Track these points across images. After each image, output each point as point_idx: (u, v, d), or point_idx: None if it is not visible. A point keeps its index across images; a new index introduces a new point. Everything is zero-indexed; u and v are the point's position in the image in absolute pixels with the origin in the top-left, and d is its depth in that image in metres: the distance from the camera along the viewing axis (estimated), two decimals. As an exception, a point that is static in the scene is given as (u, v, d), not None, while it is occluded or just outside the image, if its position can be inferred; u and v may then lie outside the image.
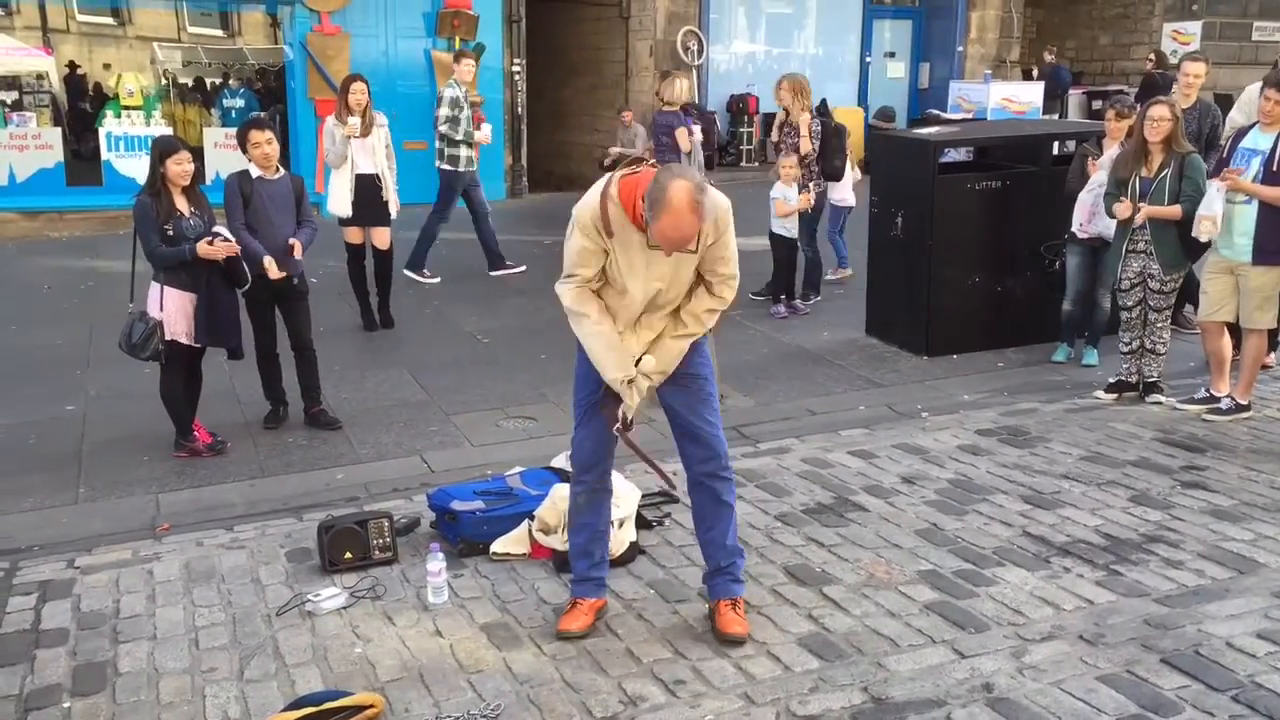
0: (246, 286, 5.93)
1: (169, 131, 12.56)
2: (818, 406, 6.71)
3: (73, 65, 16.37)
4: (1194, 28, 18.11)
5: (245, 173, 6.20)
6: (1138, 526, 4.88)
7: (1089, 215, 6.95)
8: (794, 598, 4.28)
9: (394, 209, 8.38)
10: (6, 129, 12.95)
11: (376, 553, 4.58)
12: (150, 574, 4.59)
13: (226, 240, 5.76)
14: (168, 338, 5.72)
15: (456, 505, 4.74)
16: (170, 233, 5.65)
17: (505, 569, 4.56)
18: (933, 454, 5.80)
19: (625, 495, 4.62)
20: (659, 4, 15.71)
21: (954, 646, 3.89)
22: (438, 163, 9.82)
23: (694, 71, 15.85)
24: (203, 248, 5.63)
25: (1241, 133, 6.29)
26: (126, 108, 13.70)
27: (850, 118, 15.53)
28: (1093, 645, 3.88)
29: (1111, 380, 6.75)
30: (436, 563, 4.26)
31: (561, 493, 4.50)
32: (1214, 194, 6.00)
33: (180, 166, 5.69)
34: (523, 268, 10.20)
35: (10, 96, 13.94)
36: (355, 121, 8.06)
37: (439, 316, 8.90)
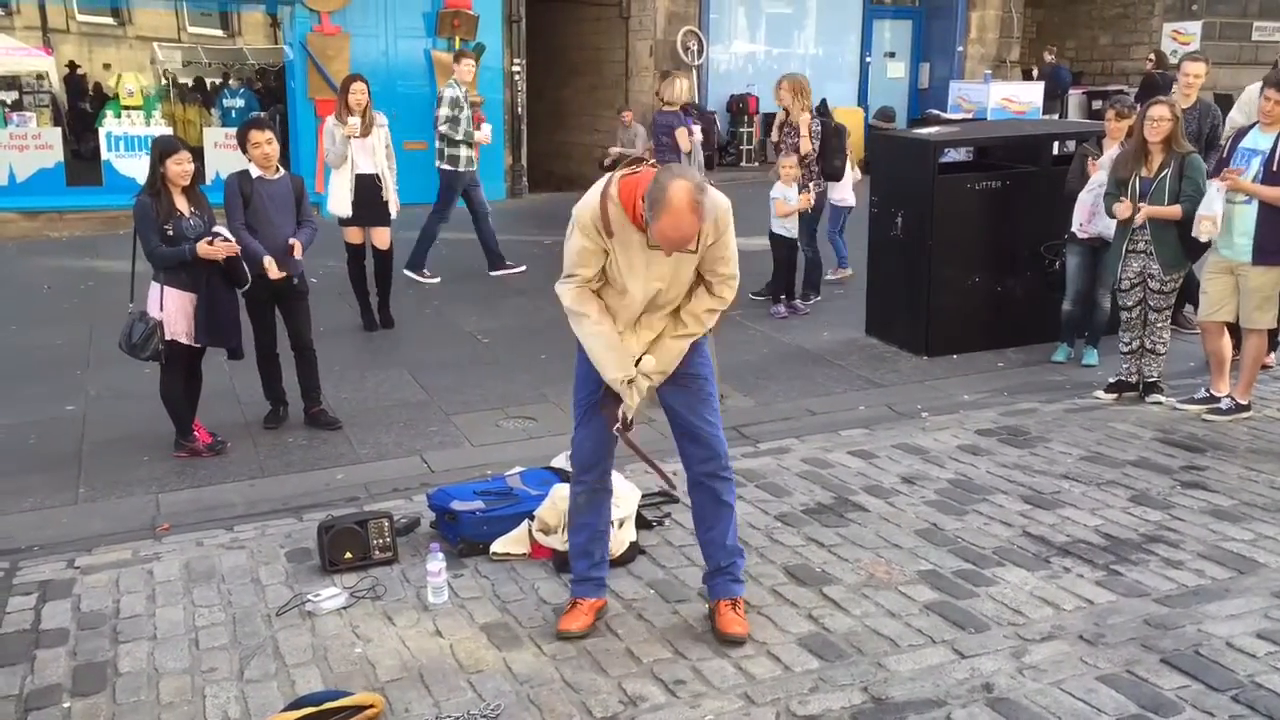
0: (246, 286, 5.93)
1: (169, 131, 12.56)
2: (818, 406, 6.71)
3: (73, 65, 16.36)
4: (1194, 28, 18.12)
5: (245, 173, 6.20)
6: (1138, 526, 4.88)
7: (1089, 215, 6.95)
8: (794, 598, 4.28)
9: (394, 209, 8.38)
10: (6, 129, 12.94)
11: (376, 553, 4.58)
12: (150, 574, 4.59)
13: (227, 240, 5.76)
14: (168, 338, 5.72)
15: (456, 505, 4.74)
16: (170, 233, 5.65)
17: (505, 569, 4.56)
18: (933, 454, 5.80)
19: (625, 495, 4.62)
20: (659, 4, 15.71)
21: (954, 646, 3.89)
22: (438, 163, 9.82)
23: (694, 71, 15.86)
24: (203, 248, 5.63)
25: (1241, 133, 6.29)
26: (126, 108, 13.70)
27: (850, 118, 15.53)
28: (1093, 645, 3.88)
29: (1111, 380, 6.75)
30: (436, 563, 4.26)
31: (561, 493, 4.51)
32: (1214, 194, 6.00)
33: (180, 166, 5.69)
34: (523, 268, 10.20)
35: (10, 96, 13.94)
36: (355, 121, 8.06)
37: (439, 316, 8.90)
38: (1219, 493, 5.24)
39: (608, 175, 3.74)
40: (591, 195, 3.71)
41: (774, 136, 9.17)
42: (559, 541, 4.50)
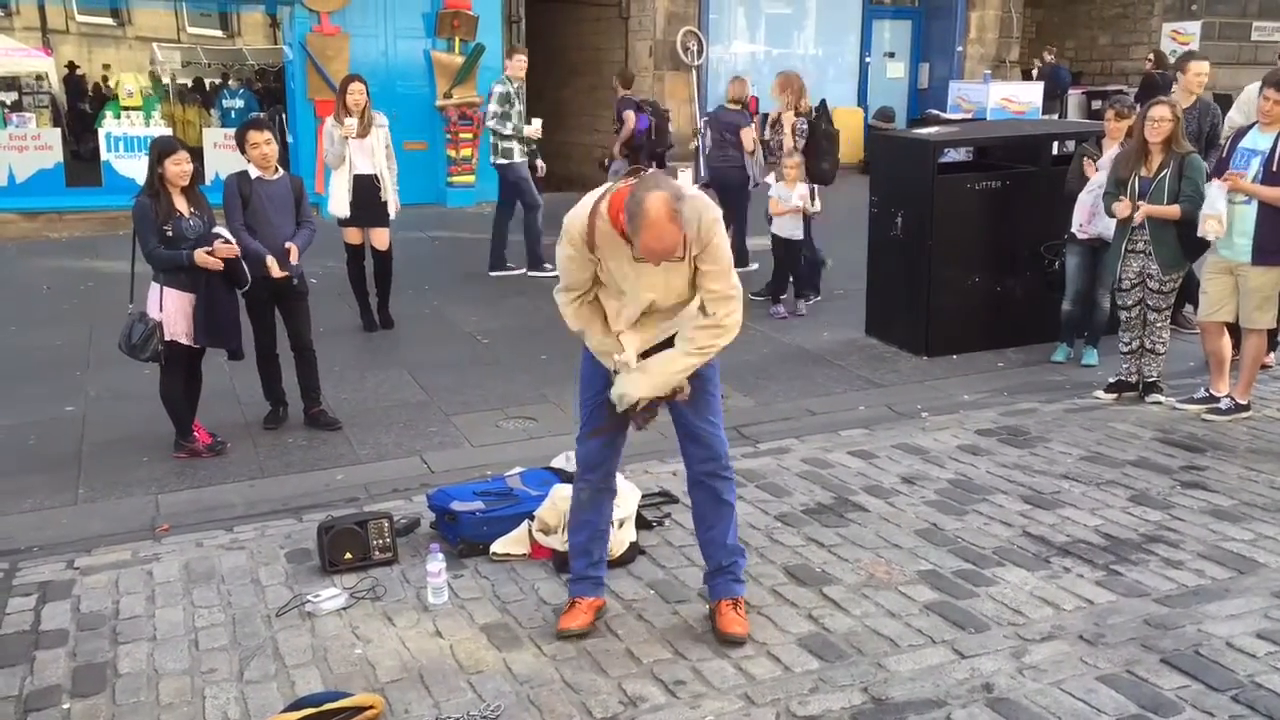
0: (246, 287, 5.93)
1: (168, 132, 12.56)
2: (818, 406, 6.71)
3: (72, 66, 16.38)
4: (1193, 28, 18.12)
5: (244, 173, 6.19)
6: (1138, 526, 4.88)
7: (1089, 216, 6.95)
8: (794, 598, 4.27)
9: (393, 209, 8.36)
10: (6, 130, 12.95)
11: (376, 553, 4.58)
12: (150, 575, 4.59)
13: (227, 241, 5.76)
14: (167, 338, 5.71)
15: (456, 506, 4.74)
16: (170, 233, 5.65)
17: (505, 569, 4.56)
18: (933, 454, 5.80)
19: (625, 495, 4.62)
20: (659, 4, 15.71)
21: (954, 647, 3.89)
22: (492, 159, 10.05)
23: (694, 71, 15.86)
24: (200, 257, 5.62)
25: (1241, 133, 6.29)
26: (126, 108, 13.71)
27: (850, 118, 15.55)
28: (1093, 645, 3.87)
29: (1111, 380, 6.75)
30: (436, 563, 4.25)
31: (562, 493, 4.51)
32: (1216, 193, 6.00)
33: (179, 167, 5.68)
34: (523, 269, 10.20)
35: (10, 97, 13.96)
36: (352, 122, 8.03)
37: (439, 317, 8.89)
38: (1219, 493, 5.24)
39: (603, 188, 3.73)
40: (582, 208, 3.70)
41: (765, 134, 9.18)
42: (559, 542, 4.50)
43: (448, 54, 13.91)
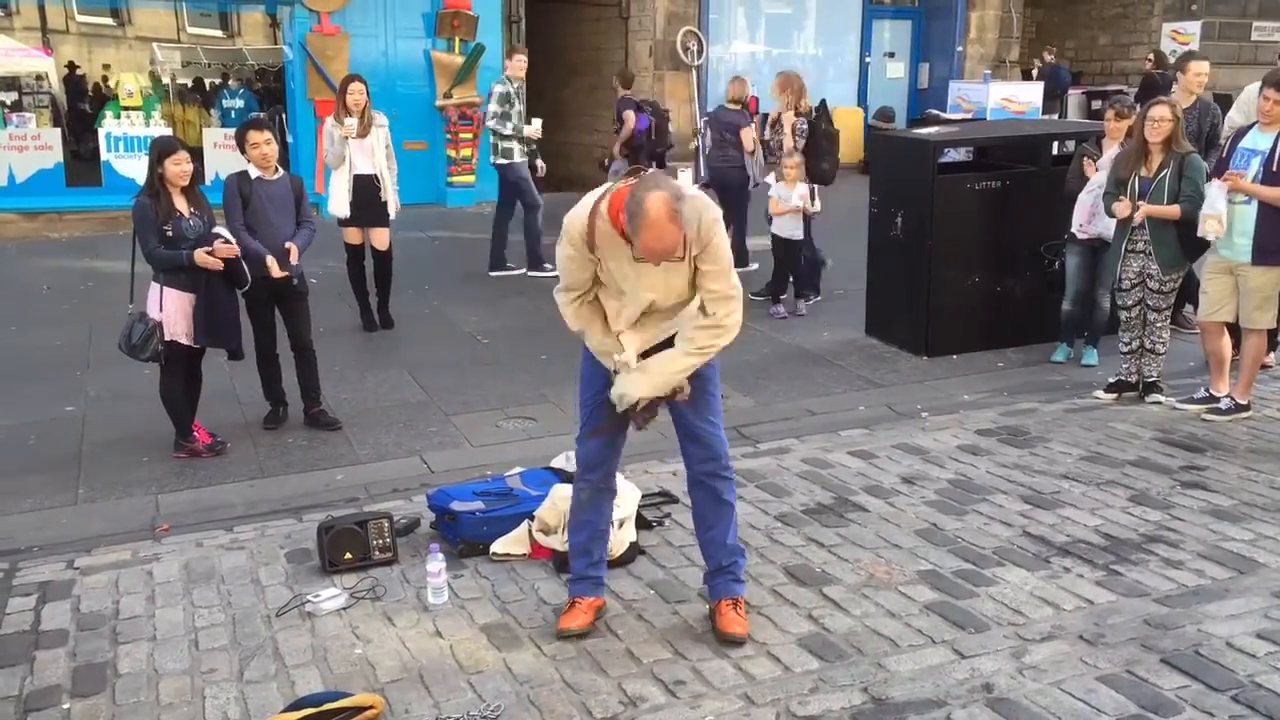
0: (246, 287, 5.93)
1: (168, 132, 12.56)
2: (818, 406, 6.71)
3: (72, 66, 16.38)
4: (1193, 28, 18.12)
5: (244, 173, 6.19)
6: (1137, 526, 4.88)
7: (1089, 216, 6.95)
8: (794, 598, 4.28)
9: (393, 209, 8.36)
10: (6, 130, 12.95)
11: (376, 553, 4.58)
12: (150, 575, 4.59)
13: (227, 241, 5.76)
14: (167, 338, 5.71)
15: (456, 506, 4.74)
16: (170, 233, 5.65)
17: (505, 569, 4.56)
18: (933, 454, 5.80)
19: (625, 495, 4.62)
20: (659, 4, 15.71)
21: (954, 647, 3.89)
22: (492, 159, 10.04)
23: (694, 71, 15.86)
24: (200, 257, 5.62)
25: (1241, 133, 6.29)
26: (126, 108, 13.71)
27: (850, 118, 15.54)
28: (1093, 645, 3.87)
29: (1111, 380, 6.75)
30: (436, 563, 4.25)
31: (562, 493, 4.51)
32: (1216, 193, 6.00)
33: (179, 167, 5.68)
34: (523, 269, 10.20)
35: (10, 97, 13.96)
36: (352, 122, 8.03)
37: (439, 317, 8.90)
38: (1219, 493, 5.24)
39: (603, 188, 3.73)
40: (582, 208, 3.69)
41: (765, 134, 9.18)
42: (559, 542, 4.50)
43: (448, 54, 13.91)
